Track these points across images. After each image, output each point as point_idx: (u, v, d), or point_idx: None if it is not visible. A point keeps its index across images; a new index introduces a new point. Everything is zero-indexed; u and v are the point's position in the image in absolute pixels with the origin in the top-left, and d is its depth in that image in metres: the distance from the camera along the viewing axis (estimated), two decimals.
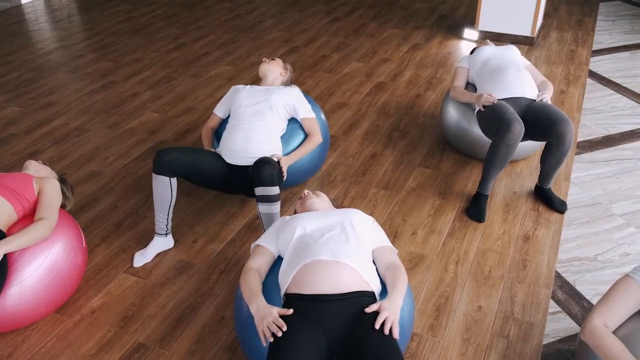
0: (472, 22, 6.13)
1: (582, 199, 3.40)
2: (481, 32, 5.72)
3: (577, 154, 3.83)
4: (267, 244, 2.28)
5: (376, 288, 2.08)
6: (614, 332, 1.94)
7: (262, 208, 2.78)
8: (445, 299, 2.71)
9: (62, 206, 2.79)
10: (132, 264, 2.93)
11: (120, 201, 3.41)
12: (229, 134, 3.11)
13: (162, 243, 2.98)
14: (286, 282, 2.07)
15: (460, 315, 2.62)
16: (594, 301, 2.68)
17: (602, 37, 5.85)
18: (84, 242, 2.68)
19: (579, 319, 2.60)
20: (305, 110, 3.26)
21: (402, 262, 2.91)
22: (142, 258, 2.93)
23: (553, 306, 2.67)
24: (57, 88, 4.85)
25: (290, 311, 1.93)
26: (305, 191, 2.51)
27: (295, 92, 3.29)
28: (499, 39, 5.66)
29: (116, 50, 5.63)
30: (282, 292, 2.09)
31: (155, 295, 2.74)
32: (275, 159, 2.98)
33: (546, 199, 3.33)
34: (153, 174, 2.83)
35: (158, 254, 2.99)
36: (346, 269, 2.02)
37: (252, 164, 2.98)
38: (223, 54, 5.50)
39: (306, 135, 3.28)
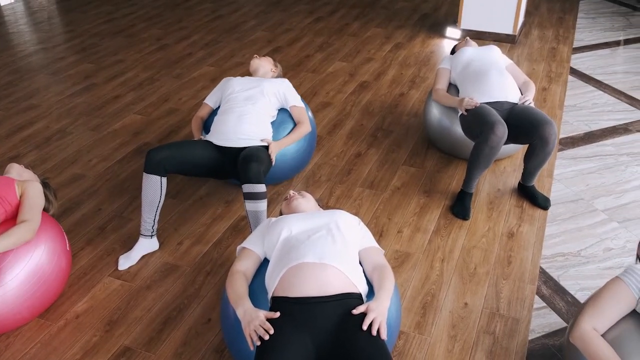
0: (454, 20, 6.16)
1: (565, 195, 3.43)
2: (463, 30, 5.75)
3: (559, 150, 3.86)
4: (253, 246, 2.26)
5: (363, 289, 2.08)
6: (603, 335, 1.93)
7: (249, 205, 2.79)
8: (432, 297, 2.72)
9: (45, 210, 2.76)
10: (117, 267, 2.91)
11: (104, 204, 3.38)
12: (220, 117, 3.16)
13: (147, 245, 2.96)
14: (273, 285, 2.06)
15: (447, 313, 2.63)
16: (578, 296, 2.71)
17: (583, 34, 5.91)
18: (67, 245, 2.65)
19: (564, 314, 2.62)
20: (295, 99, 3.33)
21: (388, 260, 2.92)
22: (127, 261, 2.91)
23: (538, 302, 2.69)
24: (38, 91, 4.80)
25: (277, 314, 1.92)
26: (291, 192, 2.50)
27: (285, 82, 3.36)
28: (481, 37, 5.70)
29: (98, 52, 5.58)
30: (269, 295, 2.08)
31: (141, 299, 2.72)
32: (266, 144, 3.07)
33: (530, 195, 3.35)
34: (144, 173, 2.84)
35: (143, 257, 2.97)
36: (332, 271, 2.02)
37: (243, 146, 3.04)
38: (206, 55, 5.47)
39: (295, 125, 3.33)
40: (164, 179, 2.86)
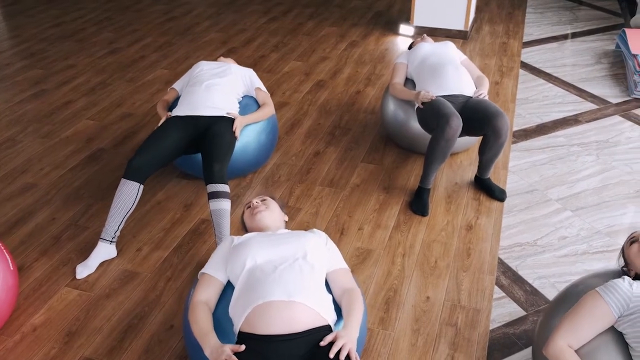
0: (407, 18, 6.23)
1: (520, 186, 3.50)
2: (416, 27, 5.82)
3: (513, 142, 3.95)
4: (214, 272, 2.16)
5: (332, 320, 2.03)
6: (577, 350, 1.89)
7: (213, 205, 2.82)
8: (394, 292, 2.74)
9: None
10: (75, 276, 2.84)
11: (58, 213, 3.30)
12: (188, 89, 3.28)
13: (105, 251, 2.89)
14: (239, 321, 1.99)
15: (410, 307, 2.66)
16: (535, 284, 2.78)
17: (532, 29, 6.05)
18: (10, 264, 2.49)
19: (523, 303, 2.68)
20: (260, 83, 3.48)
21: (349, 258, 2.94)
22: (84, 269, 2.84)
23: (497, 292, 2.74)
24: None
25: (243, 347, 1.87)
26: (254, 201, 2.41)
27: (251, 70, 3.52)
28: (433, 33, 5.77)
29: (47, 57, 5.44)
30: (235, 329, 2.02)
31: (100, 308, 2.67)
32: (232, 117, 3.18)
33: (486, 188, 3.41)
34: (123, 179, 2.85)
35: (101, 265, 2.90)
36: (301, 308, 1.95)
37: (210, 115, 3.15)
38: (160, 58, 5.39)
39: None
40: (141, 187, 2.89)
